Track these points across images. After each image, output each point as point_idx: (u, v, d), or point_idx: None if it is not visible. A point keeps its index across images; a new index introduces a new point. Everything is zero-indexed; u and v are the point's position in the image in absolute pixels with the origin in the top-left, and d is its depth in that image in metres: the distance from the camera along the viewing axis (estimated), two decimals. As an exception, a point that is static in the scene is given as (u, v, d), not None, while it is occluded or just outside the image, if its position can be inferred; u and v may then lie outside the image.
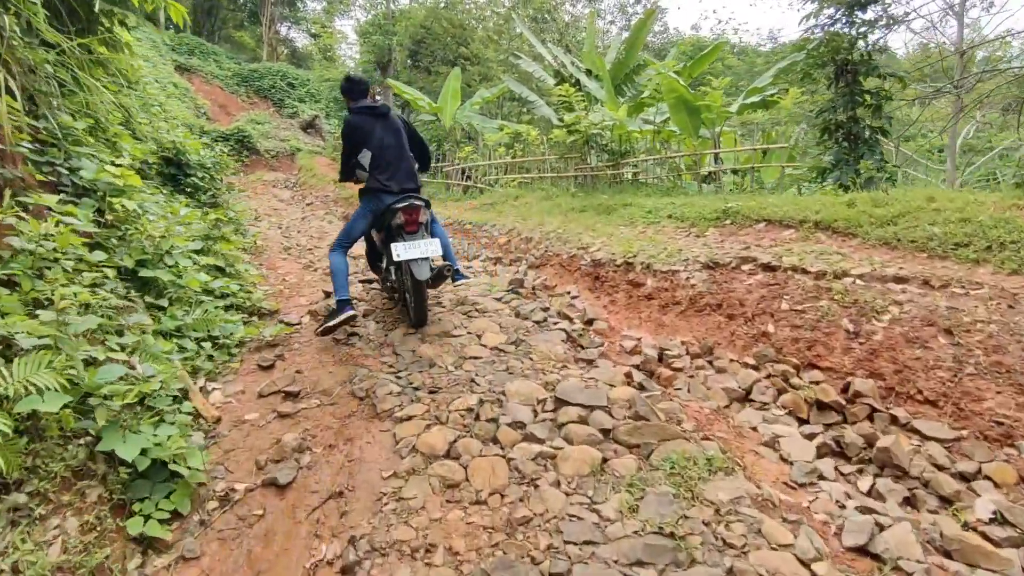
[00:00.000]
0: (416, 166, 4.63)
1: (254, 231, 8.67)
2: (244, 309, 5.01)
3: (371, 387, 3.70)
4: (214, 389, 3.78)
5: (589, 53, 15.52)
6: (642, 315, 5.39)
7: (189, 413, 3.16)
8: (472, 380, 3.68)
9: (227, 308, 4.74)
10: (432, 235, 4.35)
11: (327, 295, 5.58)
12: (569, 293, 5.96)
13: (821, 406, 3.62)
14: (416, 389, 3.63)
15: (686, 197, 8.85)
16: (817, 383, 3.78)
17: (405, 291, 4.46)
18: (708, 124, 10.32)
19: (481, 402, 3.36)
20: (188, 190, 6.71)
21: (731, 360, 4.34)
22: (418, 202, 4.28)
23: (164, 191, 6.23)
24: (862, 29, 8.43)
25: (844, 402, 3.57)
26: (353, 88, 4.55)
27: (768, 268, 4.94)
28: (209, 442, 3.18)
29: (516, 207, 10.96)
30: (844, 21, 8.60)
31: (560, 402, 3.33)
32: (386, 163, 4.34)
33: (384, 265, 4.75)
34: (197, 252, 4.95)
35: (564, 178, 12.03)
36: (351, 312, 4.23)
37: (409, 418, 3.28)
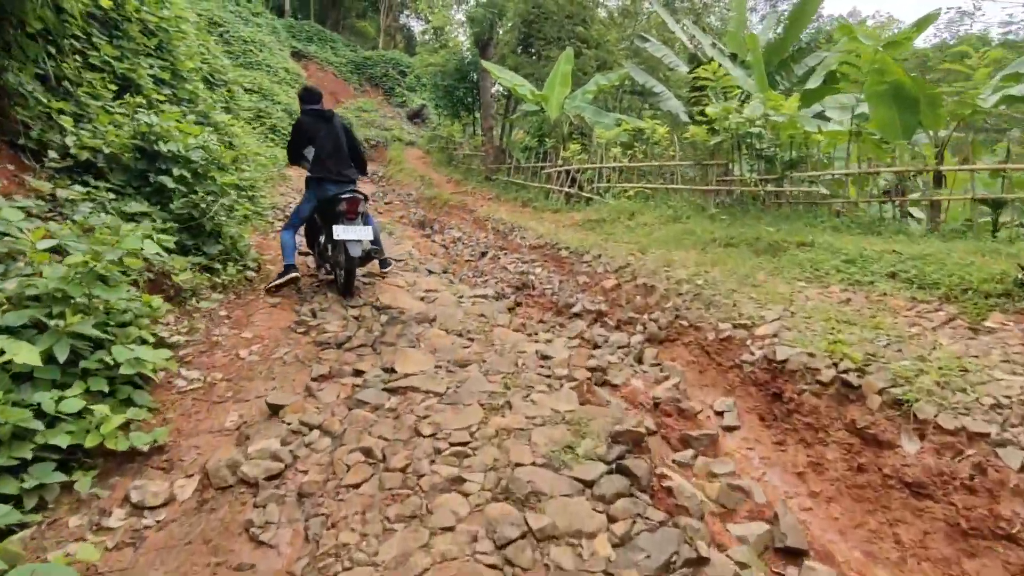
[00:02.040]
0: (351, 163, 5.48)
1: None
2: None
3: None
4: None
5: (735, 33, 12.25)
6: (901, 535, 2.50)
7: None
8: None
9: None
10: (366, 223, 5.28)
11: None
12: (718, 435, 3.23)
13: None
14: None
15: (907, 240, 5.66)
16: None
17: (337, 265, 5.39)
18: (931, 124, 6.94)
19: None
20: (154, 197, 4.67)
21: None
22: (359, 195, 5.26)
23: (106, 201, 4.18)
24: None
25: None
26: (307, 95, 5.61)
27: None
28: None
29: (632, 229, 8.20)
30: None
31: None
32: (327, 156, 5.27)
33: (323, 242, 5.59)
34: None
35: (700, 192, 9.04)
36: (295, 274, 5.25)
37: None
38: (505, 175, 13.46)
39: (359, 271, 5.57)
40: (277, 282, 5.21)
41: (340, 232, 4.89)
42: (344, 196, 5.07)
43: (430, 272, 6.84)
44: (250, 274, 5.55)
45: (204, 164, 5.06)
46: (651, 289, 5.49)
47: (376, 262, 5.92)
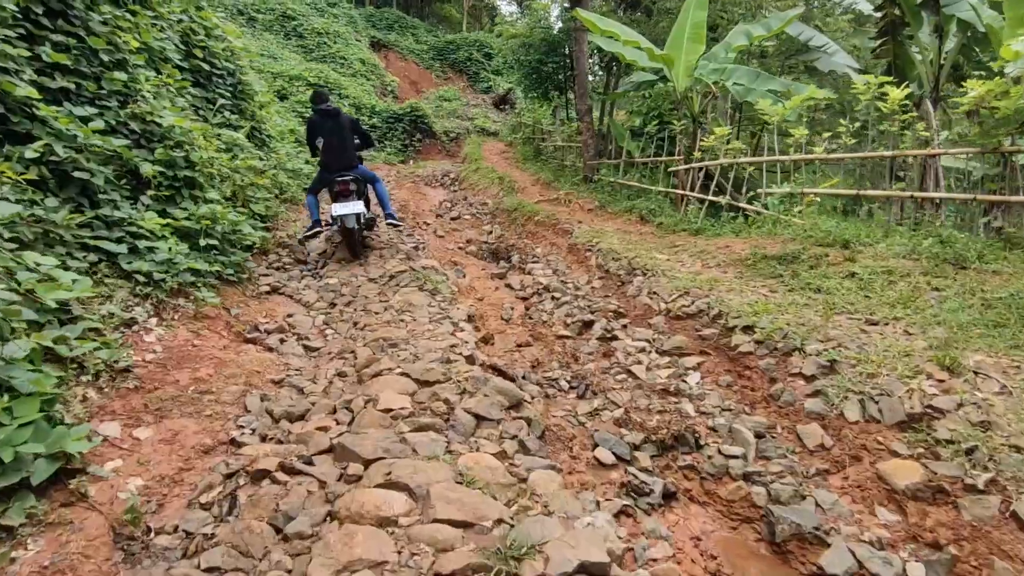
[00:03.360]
0: (356, 150, 6.69)
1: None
2: None
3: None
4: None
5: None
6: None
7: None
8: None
9: None
10: (360, 197, 6.34)
11: None
12: None
13: None
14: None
15: None
16: None
17: (341, 234, 6.48)
18: None
19: None
20: None
21: None
22: (348, 178, 6.28)
23: None
24: None
25: None
26: (316, 97, 6.77)
27: None
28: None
29: (865, 284, 4.40)
30: None
31: None
32: (331, 149, 6.46)
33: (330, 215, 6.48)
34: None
35: (975, 205, 4.99)
36: (320, 228, 6.48)
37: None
38: (611, 173, 9.86)
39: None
40: (307, 233, 6.52)
41: (336, 209, 6.14)
42: (338, 180, 6.26)
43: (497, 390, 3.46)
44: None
45: None
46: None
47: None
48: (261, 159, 8.60)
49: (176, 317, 4.02)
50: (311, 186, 6.82)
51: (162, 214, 4.86)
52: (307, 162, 11.56)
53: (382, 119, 20.13)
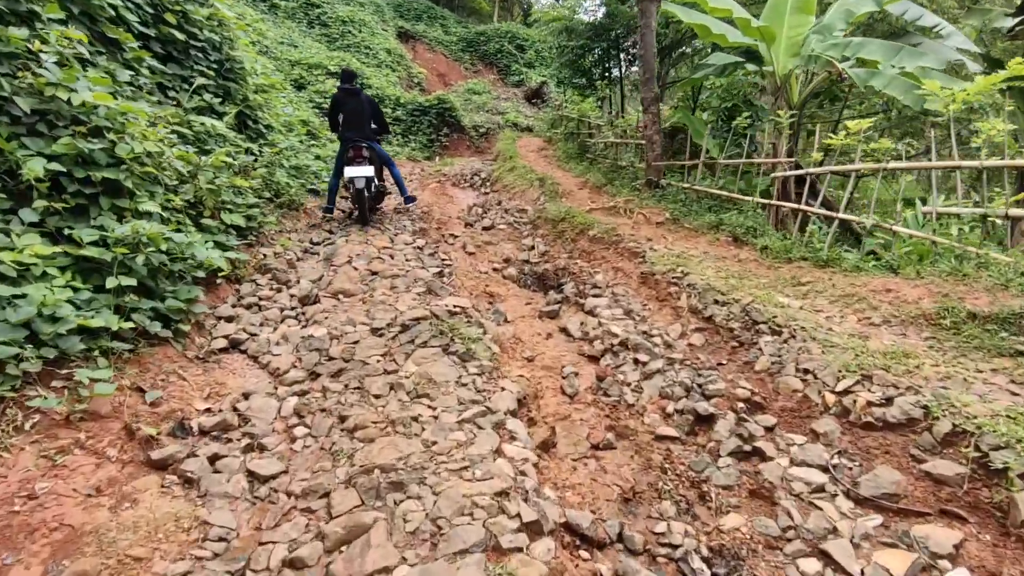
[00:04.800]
0: (373, 128, 7.23)
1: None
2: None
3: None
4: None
5: None
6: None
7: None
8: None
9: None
10: (371, 164, 6.89)
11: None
12: None
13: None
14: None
15: None
16: None
17: (352, 199, 7.04)
18: None
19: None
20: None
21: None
22: (362, 144, 6.83)
23: None
24: None
25: None
26: (344, 75, 7.32)
27: None
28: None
29: None
30: None
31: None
32: (349, 124, 6.93)
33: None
34: None
35: None
36: (330, 215, 7.16)
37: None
38: (682, 178, 7.94)
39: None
40: (322, 216, 7.20)
41: (348, 171, 6.60)
42: (351, 146, 6.78)
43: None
44: None
45: None
46: None
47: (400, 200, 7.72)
48: (254, 155, 6.97)
49: (29, 425, 2.33)
50: (334, 170, 7.21)
51: (57, 236, 3.20)
52: (318, 157, 9.94)
53: (407, 111, 18.48)
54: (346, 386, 3.30)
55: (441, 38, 32.02)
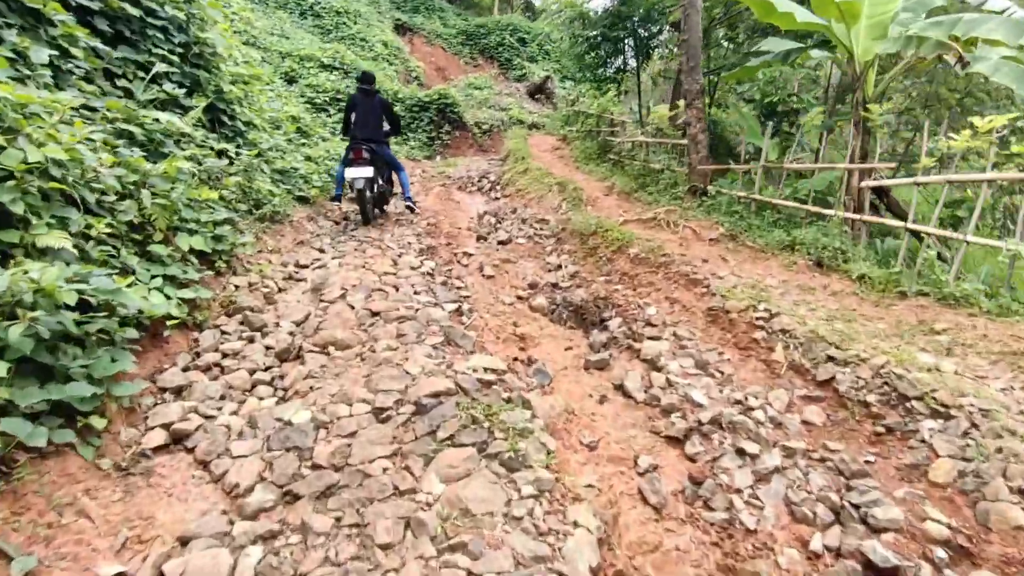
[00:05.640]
0: (385, 128, 7.25)
1: None
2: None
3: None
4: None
5: None
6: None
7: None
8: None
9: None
10: (372, 165, 6.68)
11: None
12: None
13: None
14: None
15: None
16: None
17: (355, 200, 7.05)
18: None
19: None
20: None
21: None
22: (362, 147, 6.68)
23: None
24: None
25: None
26: (363, 77, 7.19)
27: None
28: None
29: None
30: None
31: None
32: (360, 124, 6.94)
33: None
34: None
35: None
36: (338, 203, 7.38)
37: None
38: (732, 184, 6.76)
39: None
40: (330, 199, 7.39)
41: (348, 173, 6.57)
42: (352, 147, 6.75)
43: None
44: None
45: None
46: None
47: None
48: (229, 157, 5.82)
49: None
50: (342, 160, 7.31)
51: None
52: (308, 158, 8.79)
53: (405, 107, 17.29)
54: (337, 522, 2.16)
55: (439, 31, 30.77)
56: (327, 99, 15.56)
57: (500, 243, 7.15)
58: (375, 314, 3.99)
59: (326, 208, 7.69)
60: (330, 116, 14.98)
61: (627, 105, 12.28)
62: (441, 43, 30.46)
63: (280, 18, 21.53)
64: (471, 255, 6.28)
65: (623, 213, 7.35)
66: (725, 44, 9.94)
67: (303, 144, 9.60)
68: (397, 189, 7.86)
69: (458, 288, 5.06)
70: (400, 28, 28.98)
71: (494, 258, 6.43)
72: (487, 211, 8.82)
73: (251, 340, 3.64)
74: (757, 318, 4.06)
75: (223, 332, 3.67)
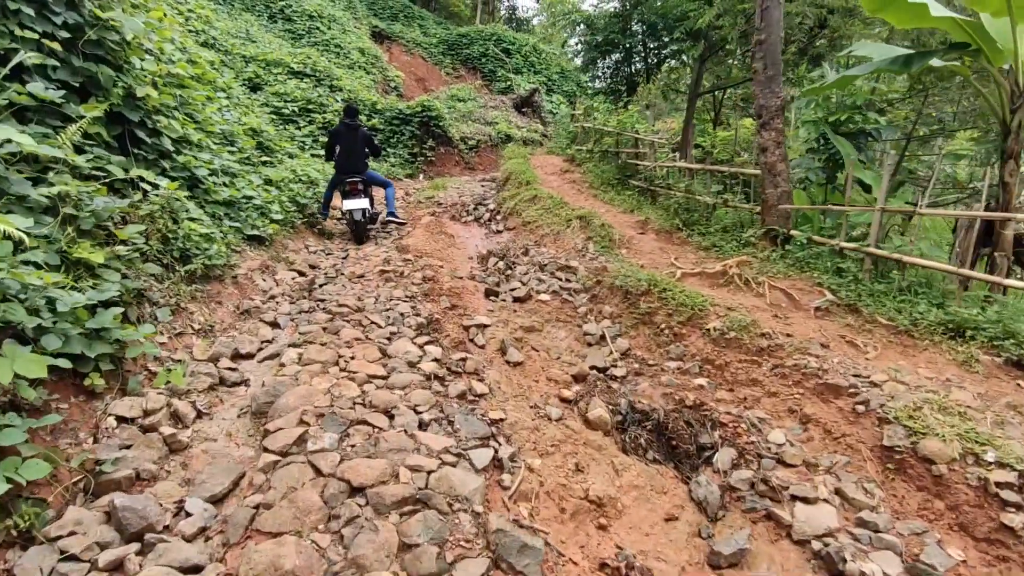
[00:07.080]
0: (367, 158, 7.76)
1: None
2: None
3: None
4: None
5: None
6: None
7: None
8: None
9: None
10: (365, 195, 7.38)
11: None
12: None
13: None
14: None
15: None
16: None
17: (349, 225, 7.46)
18: None
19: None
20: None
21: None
22: (357, 180, 7.30)
23: None
24: None
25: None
26: (348, 110, 7.60)
27: None
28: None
29: None
30: None
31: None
32: (345, 156, 7.44)
33: (341, 209, 7.72)
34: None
35: None
36: (324, 223, 7.71)
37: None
38: (820, 230, 5.13)
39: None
40: (316, 212, 7.62)
41: (346, 204, 7.24)
42: (348, 181, 7.28)
43: None
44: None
45: None
46: None
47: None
48: (142, 189, 4.03)
49: None
50: (328, 187, 7.74)
51: None
52: (268, 182, 7.01)
53: (384, 120, 15.57)
54: None
55: (419, 40, 29.14)
56: (296, 109, 13.73)
57: (516, 300, 5.46)
58: (356, 491, 2.25)
59: (289, 246, 6.00)
60: (299, 128, 13.14)
61: (649, 121, 10.75)
62: (421, 52, 28.88)
63: (247, 20, 19.64)
64: (486, 327, 4.57)
65: (674, 260, 5.74)
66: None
67: (265, 162, 7.83)
68: (379, 207, 8.28)
69: (480, 396, 3.35)
70: (378, 36, 27.31)
71: (513, 325, 4.73)
72: (491, 251, 7.13)
73: (114, 570, 1.87)
74: (996, 483, 2.45)
75: (61, 556, 1.89)
